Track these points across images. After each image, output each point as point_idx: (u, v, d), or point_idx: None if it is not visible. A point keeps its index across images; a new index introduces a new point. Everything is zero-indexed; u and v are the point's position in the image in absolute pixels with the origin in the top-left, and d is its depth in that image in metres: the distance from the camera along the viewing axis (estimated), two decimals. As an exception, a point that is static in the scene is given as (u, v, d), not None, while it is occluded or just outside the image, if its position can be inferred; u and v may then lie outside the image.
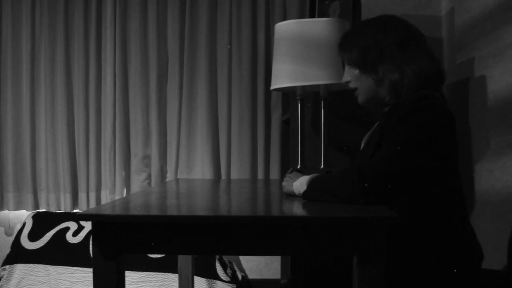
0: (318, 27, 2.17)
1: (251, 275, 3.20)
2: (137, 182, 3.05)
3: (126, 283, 2.79)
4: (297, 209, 1.33)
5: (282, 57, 2.21)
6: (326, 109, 2.24)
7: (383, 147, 1.44)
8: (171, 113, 3.06)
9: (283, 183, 1.61)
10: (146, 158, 3.06)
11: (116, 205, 1.36)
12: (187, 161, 3.05)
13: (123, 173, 3.03)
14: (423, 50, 1.59)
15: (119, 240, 1.22)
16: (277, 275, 3.20)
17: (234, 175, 3.05)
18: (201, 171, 3.03)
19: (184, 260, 2.28)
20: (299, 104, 2.28)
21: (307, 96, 2.53)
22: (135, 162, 3.05)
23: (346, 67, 1.69)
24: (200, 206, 1.36)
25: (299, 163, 2.26)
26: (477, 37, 2.65)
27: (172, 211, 1.29)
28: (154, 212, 1.27)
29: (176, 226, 1.21)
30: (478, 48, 2.63)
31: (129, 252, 1.24)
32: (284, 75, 2.19)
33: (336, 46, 1.72)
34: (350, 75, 1.67)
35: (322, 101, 2.25)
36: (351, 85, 1.68)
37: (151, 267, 2.82)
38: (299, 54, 2.16)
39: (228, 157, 3.05)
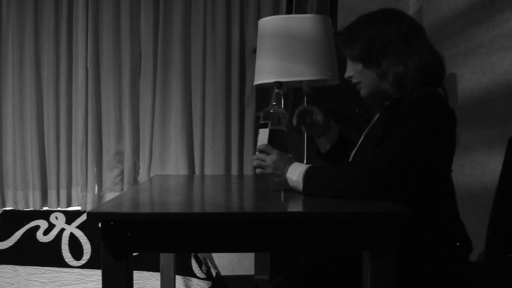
0: (303, 23, 2.18)
1: (223, 272, 3.19)
2: (109, 178, 2.99)
3: (100, 283, 2.74)
4: (306, 205, 1.34)
5: (267, 52, 2.21)
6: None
7: (387, 141, 1.46)
8: (144, 108, 3.01)
9: (274, 179, 1.56)
10: (119, 154, 3.01)
11: (123, 203, 1.34)
12: (161, 157, 3.02)
13: (95, 169, 2.97)
14: (424, 43, 1.61)
15: (130, 239, 1.20)
16: (250, 271, 3.20)
17: (208, 171, 3.04)
18: (175, 167, 3.00)
19: (167, 259, 2.26)
20: (282, 100, 2.28)
21: (290, 92, 2.54)
22: (107, 158, 2.99)
23: (349, 62, 1.68)
24: (210, 203, 1.35)
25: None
26: (447, 37, 2.73)
27: (184, 208, 1.27)
28: (164, 209, 1.26)
29: (190, 223, 1.20)
30: (447, 47, 2.70)
31: (140, 251, 1.22)
32: (269, 71, 2.19)
33: (340, 41, 1.71)
34: (352, 70, 1.66)
35: (305, 97, 2.27)
36: (354, 80, 1.67)
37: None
38: (283, 50, 2.17)
39: (202, 152, 3.03)
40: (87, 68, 2.97)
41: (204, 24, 3.02)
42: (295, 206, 1.35)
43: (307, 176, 1.46)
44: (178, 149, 3.00)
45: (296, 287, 1.67)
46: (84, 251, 2.81)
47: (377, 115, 1.71)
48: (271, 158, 1.53)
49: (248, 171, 3.09)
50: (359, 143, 1.72)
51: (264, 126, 1.60)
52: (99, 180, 2.99)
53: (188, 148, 3.02)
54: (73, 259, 2.79)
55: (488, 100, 2.35)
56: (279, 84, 1.67)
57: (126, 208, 1.26)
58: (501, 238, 1.96)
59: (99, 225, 2.79)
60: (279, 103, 1.64)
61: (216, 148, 3.01)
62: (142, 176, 3.02)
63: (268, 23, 2.23)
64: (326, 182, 1.44)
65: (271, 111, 1.60)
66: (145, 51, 3.01)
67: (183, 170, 2.99)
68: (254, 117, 3.09)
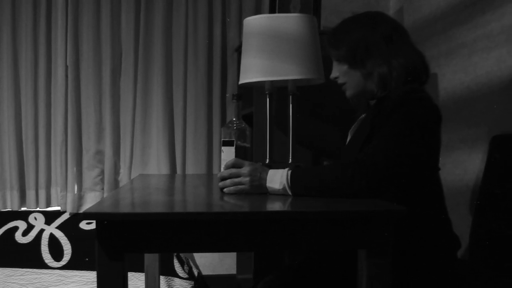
0: (289, 22, 2.17)
1: (205, 271, 3.17)
2: (90, 178, 2.94)
3: (80, 284, 2.70)
4: (299, 204, 1.34)
5: (252, 51, 2.19)
6: (294, 104, 2.26)
7: (375, 139, 1.47)
8: (125, 107, 2.97)
9: (256, 191, 1.50)
10: (99, 153, 2.96)
11: (117, 203, 1.32)
12: (142, 157, 2.98)
13: (75, 169, 2.92)
14: (408, 44, 1.65)
15: (126, 239, 1.18)
16: (232, 271, 3.19)
17: (189, 171, 3.01)
18: (157, 166, 2.97)
19: (151, 259, 2.24)
20: (267, 99, 2.28)
21: (274, 91, 2.53)
22: (87, 157, 2.94)
23: (334, 63, 1.72)
24: (207, 203, 1.34)
25: (268, 158, 2.26)
26: (428, 37, 2.76)
27: (181, 207, 1.26)
28: (163, 209, 1.24)
29: (188, 223, 1.18)
30: (429, 47, 2.73)
31: (137, 251, 1.20)
32: (254, 70, 2.18)
33: (326, 43, 1.74)
34: (338, 71, 1.71)
35: (290, 96, 2.26)
36: (340, 81, 1.71)
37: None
38: (269, 49, 2.15)
39: (184, 152, 3.01)
40: (66, 67, 2.92)
41: (185, 23, 3.00)
42: (289, 206, 1.34)
43: (293, 179, 1.45)
44: (159, 148, 2.97)
45: (288, 286, 1.67)
46: (65, 252, 2.76)
47: (364, 114, 1.72)
48: (245, 169, 1.48)
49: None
50: (347, 142, 1.73)
51: (228, 144, 1.59)
52: (79, 180, 2.95)
53: (170, 148, 2.99)
54: (53, 260, 2.74)
55: (470, 100, 2.38)
56: (237, 97, 1.67)
57: (122, 208, 1.24)
58: (484, 234, 1.99)
59: (80, 225, 2.75)
60: (239, 117, 1.65)
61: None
62: (123, 176, 2.98)
63: (254, 22, 2.21)
64: (316, 183, 1.43)
65: (234, 127, 1.61)
66: (125, 50, 2.97)
67: (164, 170, 2.97)
68: (236, 117, 3.08)
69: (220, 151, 3.05)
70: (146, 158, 3.00)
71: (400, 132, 1.45)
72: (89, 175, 2.95)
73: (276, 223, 1.22)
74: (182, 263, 2.82)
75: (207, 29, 3.00)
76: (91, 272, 2.72)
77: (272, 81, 2.28)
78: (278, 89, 2.59)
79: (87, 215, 1.16)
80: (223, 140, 1.59)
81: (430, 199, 1.58)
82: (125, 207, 1.26)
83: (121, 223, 1.17)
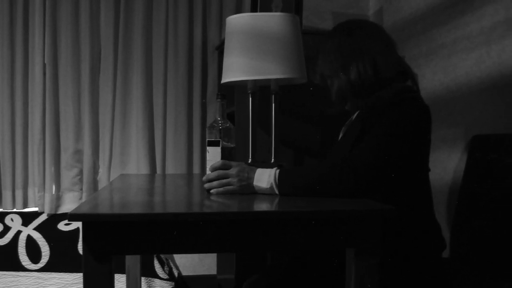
0: (272, 21, 2.16)
1: (184, 272, 3.15)
2: (68, 178, 2.90)
3: (59, 286, 2.66)
4: (290, 204, 1.33)
5: (235, 50, 2.18)
6: (277, 104, 2.25)
7: (367, 138, 1.48)
8: (104, 106, 2.93)
9: (244, 191, 1.49)
10: (78, 153, 2.92)
11: (102, 204, 1.30)
12: (121, 156, 2.95)
13: (53, 168, 2.87)
14: (389, 47, 1.66)
15: (113, 241, 1.16)
16: (212, 271, 3.18)
17: (169, 170, 2.99)
18: (136, 166, 2.94)
19: (133, 260, 2.21)
20: (250, 98, 2.27)
21: (257, 90, 2.52)
22: (65, 157, 2.89)
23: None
24: (196, 203, 1.32)
25: (250, 157, 2.26)
26: (408, 37, 2.78)
27: (171, 208, 1.24)
28: (152, 210, 1.22)
29: (178, 224, 1.17)
30: (409, 48, 2.76)
31: (125, 253, 1.19)
32: (237, 69, 2.17)
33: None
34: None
35: (273, 96, 2.26)
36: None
37: (86, 267, 2.69)
38: (252, 48, 2.15)
39: (164, 151, 2.98)
40: (44, 64, 2.86)
41: (166, 21, 2.97)
42: (277, 205, 1.33)
43: (281, 178, 1.45)
44: (139, 148, 2.94)
45: (275, 286, 1.66)
46: (43, 253, 2.71)
47: (356, 114, 1.72)
48: (233, 170, 1.48)
49: (210, 170, 3.06)
50: (337, 141, 1.74)
51: (213, 144, 1.58)
52: (57, 180, 2.90)
53: (150, 147, 2.97)
54: (30, 262, 2.70)
55: (450, 100, 2.40)
56: (222, 96, 1.66)
57: (108, 209, 1.22)
58: (465, 233, 2.01)
59: (58, 226, 2.70)
60: (224, 117, 1.64)
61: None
62: (102, 176, 2.94)
63: (236, 21, 2.20)
64: (304, 182, 1.43)
65: (220, 127, 1.59)
66: (105, 47, 2.93)
67: (144, 169, 2.94)
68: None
69: (201, 150, 3.03)
70: (125, 157, 2.96)
71: (391, 132, 1.45)
72: (68, 175, 2.90)
73: (265, 223, 1.21)
74: (162, 264, 2.80)
75: (187, 28, 2.98)
76: (70, 274, 2.68)
77: (254, 80, 2.27)
78: (260, 88, 2.58)
79: (74, 217, 1.13)
80: (208, 140, 1.57)
81: (418, 200, 1.59)
82: (111, 208, 1.24)
83: (109, 225, 1.15)
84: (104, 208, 1.23)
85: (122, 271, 2.60)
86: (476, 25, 2.24)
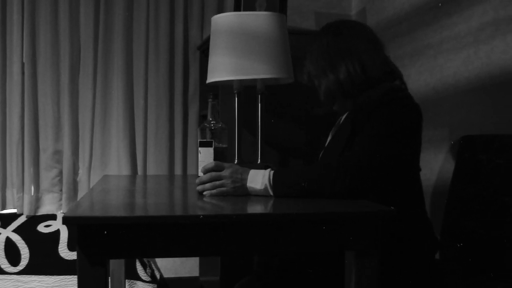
0: (258, 20, 2.13)
1: (166, 274, 3.10)
2: (47, 179, 2.82)
3: (38, 289, 2.59)
4: (287, 206, 1.31)
5: (221, 49, 2.15)
6: (263, 104, 2.22)
7: (358, 139, 1.46)
8: (84, 105, 2.86)
9: (237, 192, 1.47)
10: (57, 153, 2.84)
11: (97, 206, 1.25)
12: (102, 157, 2.89)
13: (32, 169, 2.79)
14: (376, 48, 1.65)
15: (108, 244, 1.12)
16: (194, 273, 3.13)
17: (151, 171, 2.94)
18: (117, 167, 2.88)
19: (117, 263, 2.15)
20: (236, 98, 2.24)
21: (242, 90, 2.49)
22: (44, 157, 2.82)
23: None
24: (192, 205, 1.29)
25: (236, 158, 2.22)
26: (392, 37, 2.78)
27: (167, 211, 1.21)
28: (147, 212, 1.18)
29: (178, 226, 1.13)
30: (393, 48, 2.76)
31: (120, 257, 1.15)
32: (223, 69, 2.13)
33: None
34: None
35: (259, 96, 2.23)
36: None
37: (66, 270, 2.63)
38: (238, 47, 2.11)
39: (145, 152, 2.93)
40: (23, 63, 2.79)
41: (147, 20, 2.92)
42: (274, 208, 1.31)
43: (276, 180, 1.43)
44: (120, 148, 2.88)
45: (269, 287, 1.64)
46: (22, 256, 2.63)
47: (345, 115, 1.70)
48: (226, 171, 1.46)
49: (192, 170, 3.02)
50: (327, 142, 1.72)
51: (205, 144, 1.55)
52: (36, 181, 2.82)
53: (131, 148, 2.91)
54: (9, 265, 2.62)
55: (436, 101, 2.41)
56: (214, 96, 1.63)
57: (104, 211, 1.17)
58: (456, 233, 2.01)
59: (38, 228, 2.63)
60: (216, 117, 1.61)
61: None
62: (82, 177, 2.87)
63: (222, 20, 2.17)
64: (299, 183, 1.41)
65: (212, 128, 1.57)
66: (84, 46, 2.86)
67: (125, 170, 2.88)
68: (198, 116, 3.03)
69: (182, 150, 2.99)
70: (106, 158, 2.90)
71: (383, 133, 1.45)
72: (47, 176, 2.83)
73: (262, 225, 1.18)
74: (144, 266, 2.75)
75: (168, 27, 2.93)
76: (50, 276, 2.61)
77: (240, 80, 2.24)
78: (245, 89, 2.55)
79: (68, 220, 1.09)
80: (200, 141, 1.54)
81: (411, 199, 1.59)
82: (106, 211, 1.20)
83: (105, 227, 1.11)
84: (99, 211, 1.19)
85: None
86: (463, 26, 2.25)
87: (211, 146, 1.52)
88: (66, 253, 2.65)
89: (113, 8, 2.88)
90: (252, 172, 1.45)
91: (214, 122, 1.57)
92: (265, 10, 2.69)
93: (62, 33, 2.82)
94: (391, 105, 1.48)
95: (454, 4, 2.31)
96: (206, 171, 1.47)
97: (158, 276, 2.86)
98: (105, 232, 1.11)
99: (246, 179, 1.44)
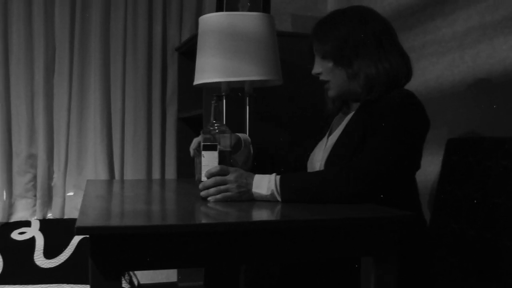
0: (248, 20, 2.11)
1: (143, 280, 3.03)
2: (21, 184, 2.72)
3: (13, 299, 2.48)
4: (300, 212, 1.28)
5: (209, 50, 2.11)
6: (251, 107, 2.20)
7: (371, 142, 1.45)
8: (59, 107, 2.77)
9: (242, 197, 1.43)
10: (31, 157, 2.74)
11: (107, 215, 1.19)
12: (78, 161, 2.80)
13: (4, 174, 2.67)
14: (396, 46, 1.63)
15: (123, 255, 1.06)
16: (172, 278, 3.07)
17: (128, 175, 2.87)
18: (94, 171, 2.80)
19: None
20: (224, 101, 2.20)
21: (229, 92, 2.45)
22: (17, 162, 2.71)
23: (317, 59, 1.63)
24: (205, 212, 1.24)
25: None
26: (371, 40, 2.79)
27: (184, 219, 1.16)
28: (157, 221, 1.14)
29: (197, 235, 1.09)
30: (372, 51, 2.76)
31: (135, 268, 1.09)
32: (212, 70, 2.09)
33: (311, 36, 1.66)
34: (321, 67, 1.61)
35: (247, 98, 2.20)
36: (323, 77, 1.62)
37: (43, 279, 2.53)
38: (227, 48, 2.08)
39: (122, 156, 2.86)
40: (-6, 63, 2.68)
41: (124, 19, 2.85)
42: (288, 214, 1.28)
43: (283, 185, 1.40)
44: (96, 152, 2.80)
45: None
46: (-5, 265, 2.53)
47: (348, 117, 1.67)
48: (231, 176, 1.42)
49: (170, 175, 2.96)
50: (326, 143, 1.69)
51: (209, 148, 1.50)
52: (9, 186, 2.71)
53: (108, 151, 2.83)
54: (-19, 275, 2.51)
55: (420, 103, 2.42)
56: (217, 98, 1.57)
57: (118, 221, 1.12)
58: (445, 235, 2.02)
59: (11, 235, 2.52)
60: (220, 119, 1.56)
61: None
62: (57, 181, 2.78)
63: (211, 20, 2.13)
64: (309, 188, 1.39)
65: (216, 130, 1.52)
66: (60, 46, 2.77)
67: (102, 174, 2.80)
68: (176, 118, 2.97)
69: (160, 154, 2.93)
70: (82, 162, 2.81)
71: (396, 138, 1.43)
72: (20, 181, 2.72)
73: (278, 233, 1.15)
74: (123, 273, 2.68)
75: (146, 27, 2.88)
76: (26, 286, 2.50)
77: (228, 82, 2.21)
78: (232, 90, 2.51)
79: (82, 230, 1.03)
80: (203, 144, 1.49)
81: (409, 199, 1.59)
82: (121, 220, 1.14)
83: (120, 238, 1.05)
84: (111, 220, 1.13)
85: (86, 282, 2.46)
86: (448, 30, 2.27)
87: (215, 150, 1.47)
88: (42, 261, 2.55)
89: (90, 7, 2.81)
90: (257, 177, 1.42)
91: (218, 124, 1.52)
92: (248, 10, 2.66)
93: (36, 32, 2.73)
94: (405, 111, 1.47)
95: (437, 9, 2.33)
96: (210, 176, 1.43)
97: (136, 282, 2.79)
98: (121, 243, 1.06)
99: (251, 184, 1.41)
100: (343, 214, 1.23)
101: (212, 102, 1.54)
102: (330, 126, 1.79)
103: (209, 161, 1.47)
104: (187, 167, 2.90)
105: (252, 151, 1.81)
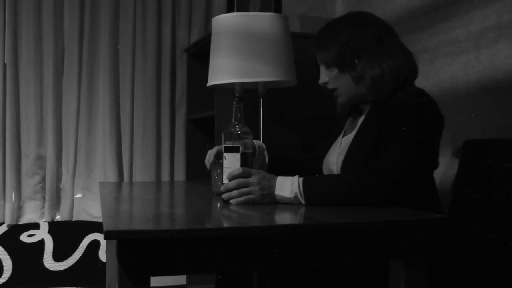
0: (262, 21, 2.09)
1: (152, 283, 3.00)
2: (29, 186, 2.69)
3: (23, 302, 2.45)
4: (330, 215, 1.26)
5: (223, 51, 2.08)
6: (265, 108, 2.18)
7: (391, 142, 1.43)
8: (68, 109, 2.75)
9: (265, 199, 1.40)
10: (40, 159, 2.72)
11: (135, 219, 1.17)
12: (86, 162, 2.77)
13: (13, 176, 2.64)
14: (397, 44, 1.62)
15: (151, 260, 1.04)
16: (181, 281, 3.05)
17: (137, 177, 2.84)
18: (103, 173, 2.77)
19: (114, 274, 2.06)
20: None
21: (243, 93, 2.43)
22: (26, 163, 2.68)
23: (322, 68, 1.63)
24: (232, 215, 1.22)
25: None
26: (382, 41, 2.77)
27: (210, 223, 1.14)
28: (186, 225, 1.11)
29: (224, 239, 1.07)
30: (383, 52, 2.74)
31: (165, 273, 1.07)
32: (227, 71, 2.07)
33: (313, 47, 1.66)
34: (328, 76, 1.61)
35: (261, 99, 2.18)
36: (330, 86, 1.62)
37: (52, 282, 2.50)
38: (242, 48, 2.06)
39: (131, 157, 2.83)
40: (4, 64, 2.66)
41: (133, 20, 2.83)
42: (315, 218, 1.26)
43: (307, 187, 1.38)
44: (106, 153, 2.77)
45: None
46: (4, 268, 2.50)
47: (361, 119, 1.66)
48: (254, 178, 1.39)
49: (179, 177, 2.94)
50: (340, 145, 1.67)
51: (231, 150, 1.47)
52: (18, 188, 2.68)
53: (117, 153, 2.80)
54: (-9, 278, 2.48)
55: (434, 105, 2.40)
56: (239, 99, 1.55)
57: (145, 225, 1.09)
58: (464, 238, 2.00)
59: (20, 238, 2.50)
60: (241, 121, 1.54)
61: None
62: (65, 183, 2.75)
63: (225, 20, 2.11)
64: (333, 191, 1.37)
65: (238, 132, 1.50)
66: (69, 47, 2.75)
67: (111, 176, 2.77)
68: (185, 120, 2.95)
69: (170, 156, 2.90)
70: (91, 163, 2.79)
71: (415, 138, 1.42)
72: (29, 183, 2.70)
73: (305, 236, 1.13)
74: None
75: (156, 28, 2.86)
76: (35, 289, 2.48)
77: (242, 83, 2.18)
78: (245, 92, 2.49)
79: (110, 234, 1.01)
80: (225, 146, 1.46)
81: (429, 199, 1.57)
82: (148, 224, 1.11)
83: (148, 242, 1.03)
84: (139, 224, 1.11)
85: (99, 285, 2.44)
86: (462, 30, 2.25)
87: (237, 152, 1.45)
88: (51, 263, 2.53)
89: (98, 8, 2.79)
90: (280, 180, 1.40)
91: (239, 126, 1.49)
92: (259, 11, 2.63)
93: (46, 33, 2.70)
94: (421, 110, 1.46)
95: (452, 9, 2.31)
96: (232, 178, 1.40)
97: (145, 285, 2.76)
98: (150, 247, 1.03)
99: (274, 186, 1.39)
100: (371, 217, 1.21)
101: (234, 103, 1.52)
102: (344, 128, 1.77)
103: (231, 163, 1.44)
104: (196, 169, 2.88)
105: (267, 158, 1.80)
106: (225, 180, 1.43)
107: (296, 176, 1.40)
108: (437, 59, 2.40)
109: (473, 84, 2.21)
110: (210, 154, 1.67)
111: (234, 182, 1.39)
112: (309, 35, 2.80)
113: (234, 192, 1.39)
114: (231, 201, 1.39)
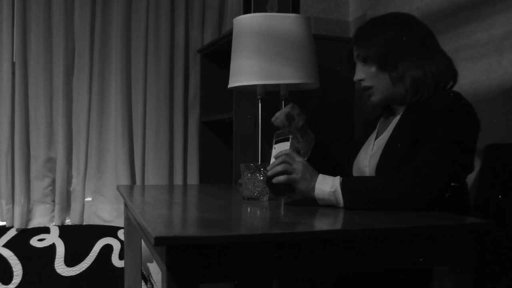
0: (286, 22, 2.06)
1: (161, 288, 2.95)
2: (39, 189, 2.63)
3: (33, 308, 2.40)
4: (375, 220, 1.22)
5: (245, 52, 2.05)
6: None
7: (430, 145, 1.41)
8: (79, 110, 2.69)
9: (301, 186, 1.40)
10: (50, 161, 2.66)
11: (182, 224, 1.13)
12: (98, 165, 2.72)
13: (22, 179, 2.59)
14: (440, 50, 1.62)
15: (201, 267, 1.00)
16: None
17: (150, 181, 2.79)
18: (115, 176, 2.71)
19: (132, 279, 2.02)
20: (259, 104, 2.15)
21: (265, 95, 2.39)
22: (36, 166, 2.62)
23: (359, 64, 1.62)
24: (276, 221, 1.18)
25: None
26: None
27: (258, 228, 1.10)
28: (233, 231, 1.07)
29: (272, 245, 1.03)
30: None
31: (213, 281, 1.03)
32: (249, 72, 2.03)
33: (353, 41, 1.64)
34: (364, 73, 1.60)
35: (283, 101, 2.14)
36: (366, 83, 1.61)
37: (64, 287, 2.45)
38: (264, 50, 2.02)
39: (143, 160, 2.78)
40: (13, 63, 2.60)
41: (146, 20, 2.78)
42: (365, 223, 1.22)
43: (345, 186, 1.36)
44: (118, 156, 2.72)
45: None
46: (14, 273, 2.43)
47: (395, 120, 1.63)
48: (300, 162, 1.39)
49: (192, 180, 2.88)
50: (373, 149, 1.65)
51: (283, 140, 1.48)
52: (27, 191, 2.62)
53: (129, 155, 2.75)
54: (0, 283, 2.41)
55: (453, 109, 2.38)
56: (288, 103, 1.57)
57: (196, 231, 1.05)
58: (491, 243, 1.98)
59: (30, 242, 2.44)
60: (289, 125, 1.54)
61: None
62: (76, 186, 2.69)
63: (247, 21, 2.07)
64: (373, 193, 1.35)
65: (291, 136, 1.50)
66: (79, 46, 2.70)
67: (123, 179, 2.71)
68: (198, 122, 2.90)
69: (183, 159, 2.85)
70: (102, 166, 2.73)
71: (454, 141, 1.41)
72: (38, 186, 2.63)
73: (351, 242, 1.10)
74: (145, 281, 2.60)
75: (169, 28, 2.81)
76: (46, 294, 2.42)
77: (264, 85, 2.14)
78: (267, 93, 2.45)
79: (160, 240, 0.96)
80: (276, 140, 1.47)
81: (462, 203, 1.55)
82: (200, 230, 1.07)
83: (198, 249, 0.99)
84: (186, 230, 1.07)
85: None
86: (483, 34, 2.23)
87: (288, 141, 1.44)
88: (63, 268, 2.47)
89: (110, 7, 2.73)
90: (322, 175, 1.39)
91: (288, 129, 1.50)
92: (277, 12, 2.60)
93: (56, 31, 2.65)
94: (460, 113, 1.45)
95: (473, 13, 2.29)
96: (278, 156, 1.41)
97: (156, 291, 2.72)
98: (199, 253, 0.99)
99: (315, 179, 1.38)
100: (413, 222, 1.19)
101: (287, 106, 1.53)
102: (376, 129, 1.74)
103: (281, 149, 1.44)
104: (210, 172, 2.84)
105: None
106: (273, 159, 1.44)
107: (338, 177, 1.39)
108: (457, 63, 2.34)
109: (494, 88, 2.19)
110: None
111: (281, 158, 1.39)
112: (323, 36, 2.78)
113: (278, 167, 1.38)
114: (273, 180, 1.39)
